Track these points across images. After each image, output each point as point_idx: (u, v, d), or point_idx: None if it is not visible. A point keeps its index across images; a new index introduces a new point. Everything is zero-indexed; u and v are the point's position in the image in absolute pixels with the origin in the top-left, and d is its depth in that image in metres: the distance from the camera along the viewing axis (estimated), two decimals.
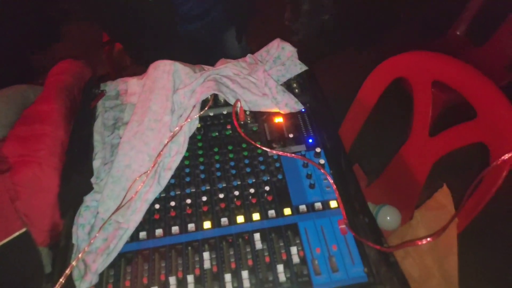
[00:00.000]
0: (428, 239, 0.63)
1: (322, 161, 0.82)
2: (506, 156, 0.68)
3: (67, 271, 0.66)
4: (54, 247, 0.71)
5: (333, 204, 0.76)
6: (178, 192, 0.79)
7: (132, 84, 0.98)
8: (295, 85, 0.98)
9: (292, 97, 0.92)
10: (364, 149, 1.39)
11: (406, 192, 1.09)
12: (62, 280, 0.65)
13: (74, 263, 0.67)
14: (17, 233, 0.64)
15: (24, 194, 0.66)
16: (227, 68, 0.95)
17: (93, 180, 0.78)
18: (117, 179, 0.78)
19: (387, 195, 1.17)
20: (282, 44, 1.01)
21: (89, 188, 0.77)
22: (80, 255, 0.68)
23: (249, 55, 1.01)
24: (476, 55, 1.70)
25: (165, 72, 0.90)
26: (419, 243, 0.63)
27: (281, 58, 1.00)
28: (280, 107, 0.91)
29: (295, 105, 0.92)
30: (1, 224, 0.63)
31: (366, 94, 1.13)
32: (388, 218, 1.07)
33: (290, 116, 0.92)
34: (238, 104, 0.89)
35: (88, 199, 0.76)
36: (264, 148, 0.84)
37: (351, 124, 1.19)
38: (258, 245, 0.71)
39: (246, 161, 0.83)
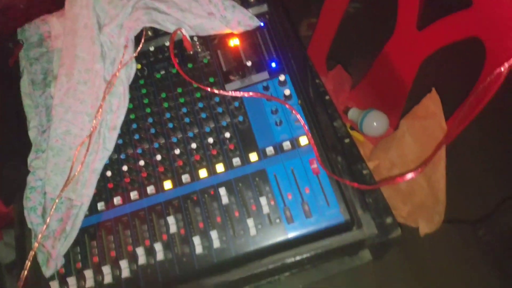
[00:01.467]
0: (409, 175, 0.55)
1: (287, 92, 0.70)
2: (506, 65, 0.56)
3: (28, 261, 0.62)
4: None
5: (303, 140, 0.67)
6: (131, 151, 0.71)
7: (55, 24, 0.81)
8: None
9: (244, 11, 0.76)
10: (346, 48, 1.23)
11: (393, 95, 0.99)
12: (24, 271, 0.62)
13: (33, 251, 0.63)
14: None
15: None
16: None
17: (31, 156, 0.69)
18: (58, 150, 0.69)
19: (373, 98, 1.06)
20: None
21: (24, 172, 0.68)
22: (38, 240, 0.64)
23: None
24: None
25: (83, 6, 0.73)
26: (399, 180, 0.56)
27: None
28: (232, 27, 0.76)
29: (250, 21, 0.76)
30: None
31: None
32: (375, 124, 0.99)
33: (247, 36, 0.77)
34: (179, 33, 0.73)
35: (31, 179, 0.68)
36: (215, 91, 0.72)
37: (325, 23, 1.02)
38: (225, 199, 0.65)
39: (201, 105, 0.72)
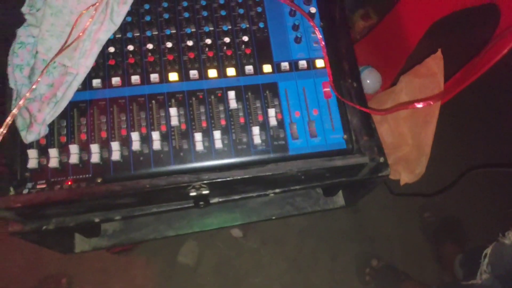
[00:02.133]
0: (420, 104, 0.57)
1: (313, 10, 0.68)
2: None
3: (8, 120, 0.56)
4: None
5: (320, 63, 0.67)
6: (137, 34, 0.65)
7: None
8: None
9: None
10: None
11: (394, 54, 1.00)
12: (3, 130, 0.56)
13: (15, 110, 0.57)
14: None
15: None
16: None
17: (24, 9, 0.61)
18: (57, 10, 0.61)
19: (372, 55, 1.08)
20: None
21: (19, 19, 0.60)
22: (21, 102, 0.58)
23: None
24: None
25: None
26: (415, 105, 0.58)
27: None
28: None
29: None
30: None
31: None
32: (368, 81, 1.01)
33: None
34: None
35: (22, 33, 0.60)
36: None
37: None
38: (233, 104, 0.63)
39: (221, 1, 0.67)
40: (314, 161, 0.61)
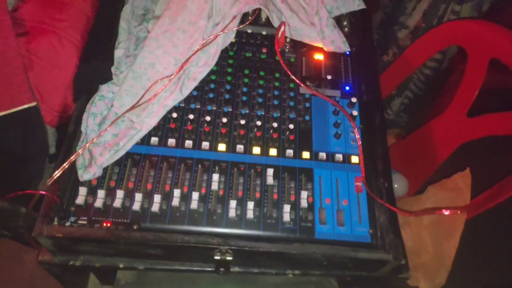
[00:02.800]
0: (447, 212, 0.60)
1: (355, 113, 0.76)
2: None
3: (72, 158, 0.64)
4: (61, 130, 0.67)
5: (355, 159, 0.73)
6: (199, 107, 0.74)
7: None
8: (345, 22, 0.88)
9: (341, 35, 0.84)
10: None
11: (423, 165, 1.06)
12: (66, 165, 0.62)
13: (80, 151, 0.64)
14: (26, 106, 0.59)
15: (38, 65, 0.60)
16: None
17: (112, 70, 0.72)
18: (138, 75, 0.72)
19: (402, 161, 1.13)
20: None
21: (106, 77, 0.71)
22: (87, 145, 0.65)
23: None
24: None
25: None
26: (443, 211, 0.61)
27: None
28: (325, 43, 0.83)
29: (342, 45, 0.83)
30: (10, 91, 0.58)
31: (414, 53, 1.04)
32: (396, 186, 1.05)
33: (332, 56, 0.84)
34: (282, 28, 0.80)
35: (105, 89, 0.71)
36: (299, 83, 0.78)
37: (389, 79, 1.11)
38: (270, 180, 0.68)
39: (276, 93, 0.77)
40: (339, 249, 0.63)
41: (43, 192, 0.60)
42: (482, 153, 1.01)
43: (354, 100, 0.77)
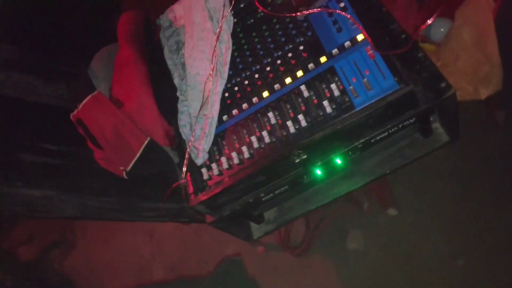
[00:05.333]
0: None
1: (342, 4, 0.89)
2: None
3: (186, 156, 0.97)
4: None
5: (360, 37, 0.86)
6: (238, 79, 1.00)
7: (177, 8, 1.16)
8: None
9: None
10: None
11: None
12: (186, 161, 0.96)
13: (188, 149, 0.97)
14: (146, 142, 0.96)
15: (137, 117, 0.96)
16: None
17: (178, 94, 1.04)
18: (193, 86, 1.02)
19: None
20: None
21: (177, 100, 1.03)
22: (190, 144, 0.98)
23: None
24: None
25: None
26: None
27: None
28: None
29: None
30: (134, 139, 0.95)
31: None
32: (442, 29, 1.08)
33: None
34: None
35: (180, 106, 1.03)
36: (292, 15, 0.95)
37: None
38: (306, 93, 0.88)
39: (280, 33, 0.97)
40: (376, 104, 0.78)
41: (184, 180, 0.94)
42: None
43: None
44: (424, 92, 0.79)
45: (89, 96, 0.98)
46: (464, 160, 1.30)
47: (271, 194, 0.96)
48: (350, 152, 0.89)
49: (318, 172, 0.94)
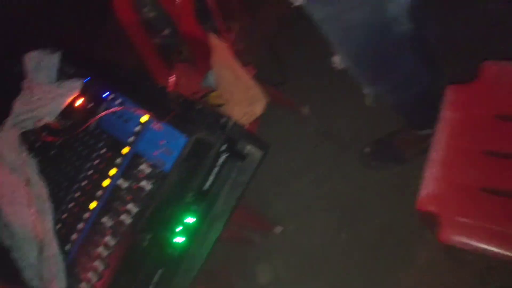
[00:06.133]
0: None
1: (119, 100, 1.02)
2: None
3: None
4: None
5: (144, 118, 0.98)
6: (64, 206, 1.01)
7: None
8: None
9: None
10: None
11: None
12: None
13: None
14: None
15: None
16: None
17: (12, 255, 0.99)
18: (23, 237, 0.99)
19: None
20: None
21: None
22: None
23: None
24: None
25: None
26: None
27: None
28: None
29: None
30: None
31: None
32: (212, 77, 1.30)
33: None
34: None
35: (20, 264, 0.98)
36: (81, 129, 1.04)
37: None
38: (125, 184, 0.93)
39: (80, 148, 1.04)
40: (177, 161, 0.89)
41: None
42: None
43: (111, 96, 1.03)
44: (213, 133, 0.93)
45: None
46: (293, 153, 1.55)
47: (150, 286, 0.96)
48: (194, 207, 0.96)
49: (179, 240, 0.98)
